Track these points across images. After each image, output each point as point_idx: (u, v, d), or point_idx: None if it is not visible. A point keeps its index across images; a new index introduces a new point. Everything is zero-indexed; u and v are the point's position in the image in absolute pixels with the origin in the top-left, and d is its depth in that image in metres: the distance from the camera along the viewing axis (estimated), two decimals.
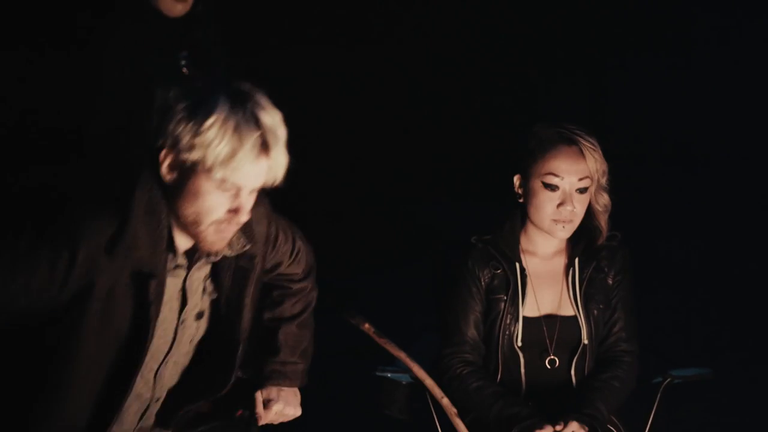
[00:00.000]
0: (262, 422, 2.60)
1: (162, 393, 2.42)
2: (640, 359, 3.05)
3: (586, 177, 2.89)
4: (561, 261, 3.01)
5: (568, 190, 2.89)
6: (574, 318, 2.97)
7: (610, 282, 3.01)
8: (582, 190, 2.90)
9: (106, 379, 2.23)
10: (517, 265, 2.97)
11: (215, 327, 2.42)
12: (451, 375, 2.96)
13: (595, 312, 2.98)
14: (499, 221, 3.02)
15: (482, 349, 3.00)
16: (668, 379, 3.09)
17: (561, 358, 2.98)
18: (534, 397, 2.94)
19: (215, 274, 2.38)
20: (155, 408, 2.44)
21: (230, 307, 2.41)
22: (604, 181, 2.95)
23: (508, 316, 2.95)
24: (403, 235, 6.25)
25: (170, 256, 2.25)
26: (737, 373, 4.61)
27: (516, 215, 2.98)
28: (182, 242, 2.27)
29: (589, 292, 2.98)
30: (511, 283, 2.96)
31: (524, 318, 2.96)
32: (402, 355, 2.85)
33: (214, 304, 2.41)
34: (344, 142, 6.59)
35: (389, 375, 3.05)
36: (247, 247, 2.35)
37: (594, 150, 2.90)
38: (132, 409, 2.38)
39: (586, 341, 2.97)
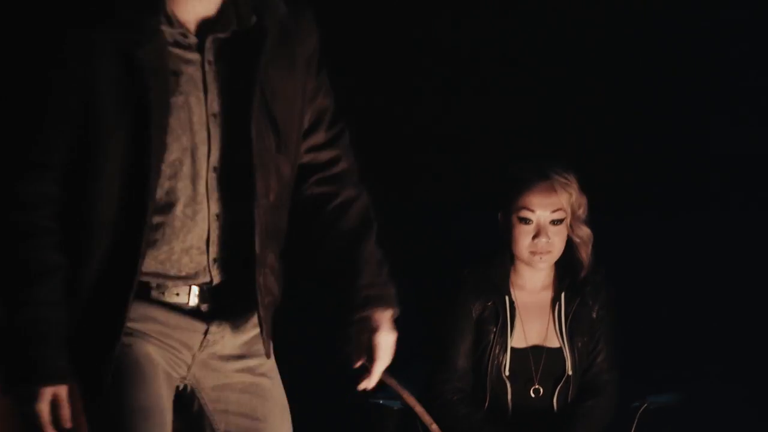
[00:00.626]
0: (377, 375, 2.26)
1: (218, 208, 2.16)
2: (620, 384, 3.20)
3: (559, 209, 3.05)
4: (548, 295, 3.16)
5: (542, 222, 3.04)
6: (560, 350, 3.11)
7: (594, 315, 3.15)
8: (556, 222, 3.05)
9: (139, 181, 2.08)
10: (507, 298, 3.11)
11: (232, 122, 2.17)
12: (441, 402, 3.08)
13: (579, 344, 3.12)
14: (488, 255, 3.16)
15: (471, 378, 3.12)
16: (645, 405, 3.24)
17: (545, 387, 3.11)
18: (519, 423, 3.07)
19: (228, 61, 2.16)
20: (216, 231, 2.17)
21: (244, 88, 2.15)
22: (581, 213, 3.10)
23: (497, 346, 3.09)
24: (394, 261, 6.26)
25: (165, 25, 2.09)
26: (714, 396, 4.72)
27: (506, 250, 3.12)
28: (183, 13, 2.12)
29: (574, 325, 3.12)
30: (500, 315, 3.10)
31: (512, 349, 3.09)
32: (393, 383, 2.96)
33: (229, 92, 2.16)
34: None
35: (381, 401, 3.17)
36: (254, 18, 2.15)
37: (567, 184, 3.06)
38: (194, 229, 2.15)
39: (570, 372, 3.11)
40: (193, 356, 2.24)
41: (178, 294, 2.19)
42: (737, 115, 5.04)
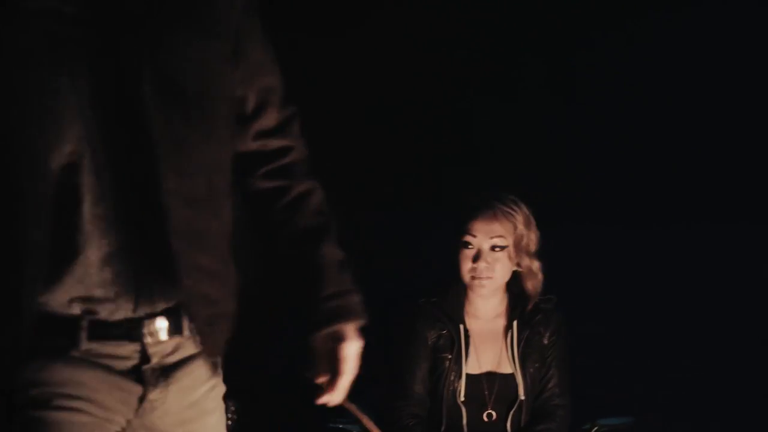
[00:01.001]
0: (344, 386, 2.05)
1: (130, 205, 1.86)
2: (571, 406, 3.31)
3: (500, 236, 3.16)
4: (501, 322, 3.26)
5: (483, 247, 3.16)
6: (512, 375, 3.22)
7: (546, 342, 3.26)
8: (496, 248, 3.16)
9: (15, 186, 1.82)
10: (461, 326, 3.21)
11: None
12: (398, 426, 3.17)
13: (531, 370, 3.23)
14: (443, 285, 3.27)
15: (427, 403, 3.22)
16: (596, 427, 3.35)
17: (499, 412, 3.21)
18: None
19: (119, 31, 1.86)
20: (132, 233, 1.87)
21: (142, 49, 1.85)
22: (526, 244, 3.21)
23: (452, 373, 3.19)
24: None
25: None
26: (664, 419, 4.85)
27: (460, 280, 3.23)
28: None
29: (526, 352, 3.23)
30: (455, 343, 3.20)
31: (467, 375, 3.20)
32: (352, 407, 3.05)
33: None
34: None
35: (341, 426, 3.25)
36: None
37: (511, 215, 3.18)
38: (109, 232, 1.86)
39: (522, 397, 3.21)
40: (128, 421, 1.97)
41: (118, 328, 1.90)
42: None
